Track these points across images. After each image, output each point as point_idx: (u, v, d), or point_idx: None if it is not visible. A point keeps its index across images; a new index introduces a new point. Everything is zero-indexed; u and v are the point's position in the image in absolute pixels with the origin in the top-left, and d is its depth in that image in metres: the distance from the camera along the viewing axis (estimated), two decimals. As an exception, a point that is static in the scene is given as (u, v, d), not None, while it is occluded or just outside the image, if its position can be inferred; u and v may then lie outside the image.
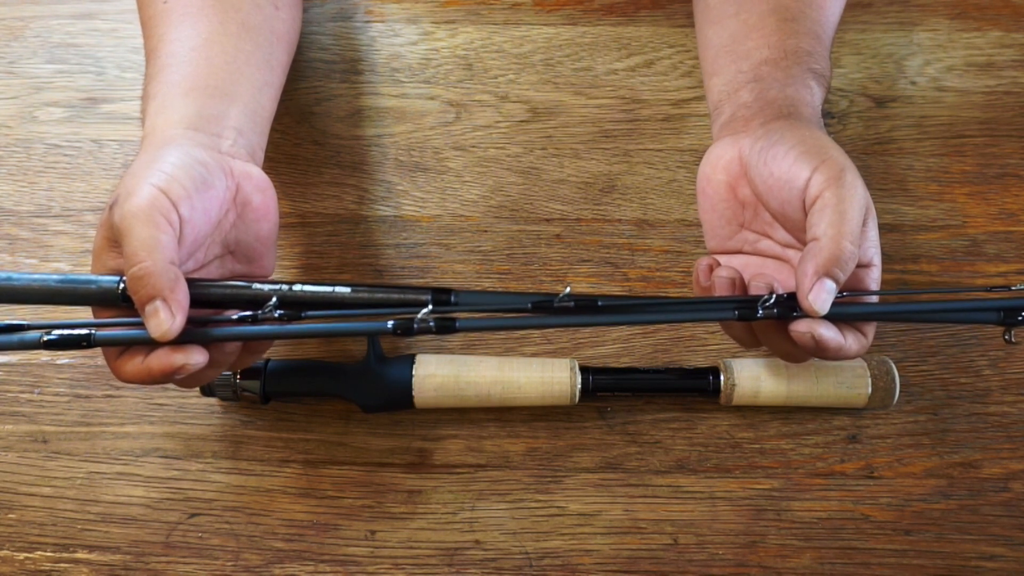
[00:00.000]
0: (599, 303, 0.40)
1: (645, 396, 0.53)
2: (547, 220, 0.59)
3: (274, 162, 0.61)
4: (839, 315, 0.41)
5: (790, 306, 0.40)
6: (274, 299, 0.40)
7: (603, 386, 0.51)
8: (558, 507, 0.51)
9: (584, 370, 0.51)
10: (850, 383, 0.50)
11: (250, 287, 0.42)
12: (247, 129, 0.48)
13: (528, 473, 0.51)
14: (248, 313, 0.40)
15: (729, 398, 0.51)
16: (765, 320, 0.41)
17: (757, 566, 0.49)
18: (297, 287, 0.42)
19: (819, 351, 0.41)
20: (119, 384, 0.54)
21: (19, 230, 0.59)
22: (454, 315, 0.40)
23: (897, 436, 0.52)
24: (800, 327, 0.40)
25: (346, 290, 0.42)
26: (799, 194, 0.42)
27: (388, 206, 0.59)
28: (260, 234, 0.46)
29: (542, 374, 0.50)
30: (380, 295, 0.42)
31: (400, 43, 0.65)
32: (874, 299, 0.43)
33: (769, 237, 0.47)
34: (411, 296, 0.42)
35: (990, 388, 0.53)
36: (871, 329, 0.43)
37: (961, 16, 0.65)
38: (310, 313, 0.41)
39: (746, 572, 0.49)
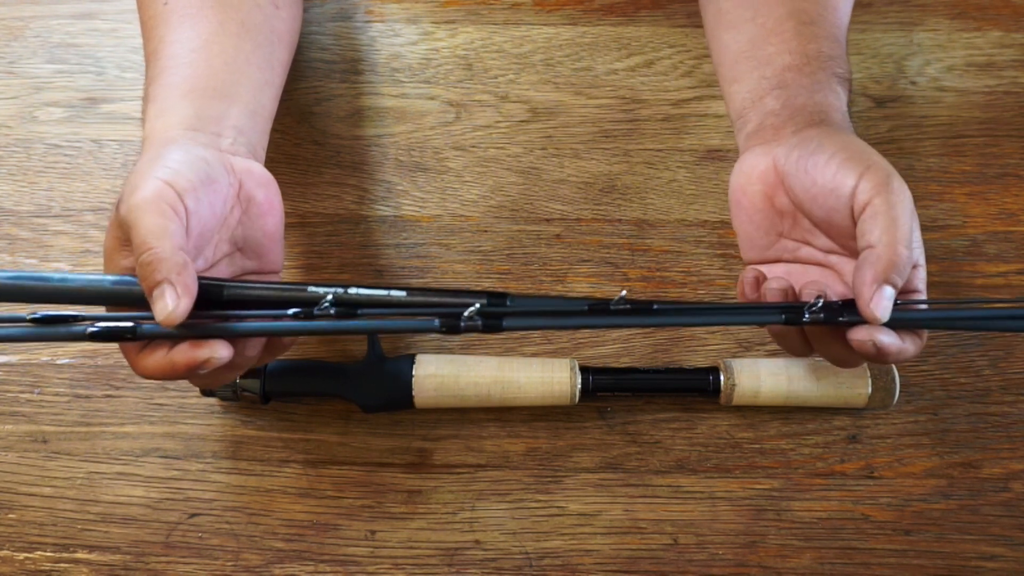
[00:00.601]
0: (654, 307, 0.40)
1: (645, 396, 0.53)
2: (547, 220, 0.59)
3: (274, 162, 0.61)
4: (898, 320, 0.40)
5: (837, 311, 0.40)
6: (330, 297, 0.40)
7: (603, 386, 0.51)
8: (558, 507, 0.50)
9: (584, 370, 0.51)
10: (850, 383, 0.50)
11: (305, 289, 0.41)
12: (247, 128, 0.48)
13: (528, 473, 0.51)
14: (301, 310, 0.40)
15: (729, 398, 0.51)
16: (820, 328, 0.41)
17: (757, 566, 0.49)
18: (352, 290, 0.41)
19: (879, 357, 0.40)
20: (119, 384, 0.54)
21: (19, 230, 0.59)
22: (502, 314, 0.40)
23: (897, 436, 0.52)
24: (860, 335, 0.40)
25: (402, 294, 0.42)
26: (847, 201, 0.41)
27: (388, 206, 0.59)
28: (266, 229, 0.46)
29: (542, 374, 0.50)
30: (435, 299, 0.42)
31: (400, 43, 0.65)
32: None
33: (810, 244, 0.46)
34: (467, 300, 0.41)
35: (990, 388, 0.53)
36: (925, 329, 0.42)
37: (961, 16, 0.65)
38: (364, 311, 0.40)
39: (746, 572, 0.49)
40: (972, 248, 0.57)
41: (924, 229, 0.57)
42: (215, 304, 0.41)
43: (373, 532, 0.50)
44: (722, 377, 0.51)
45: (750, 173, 0.47)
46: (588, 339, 0.55)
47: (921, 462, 0.51)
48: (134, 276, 0.39)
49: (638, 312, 0.40)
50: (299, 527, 0.50)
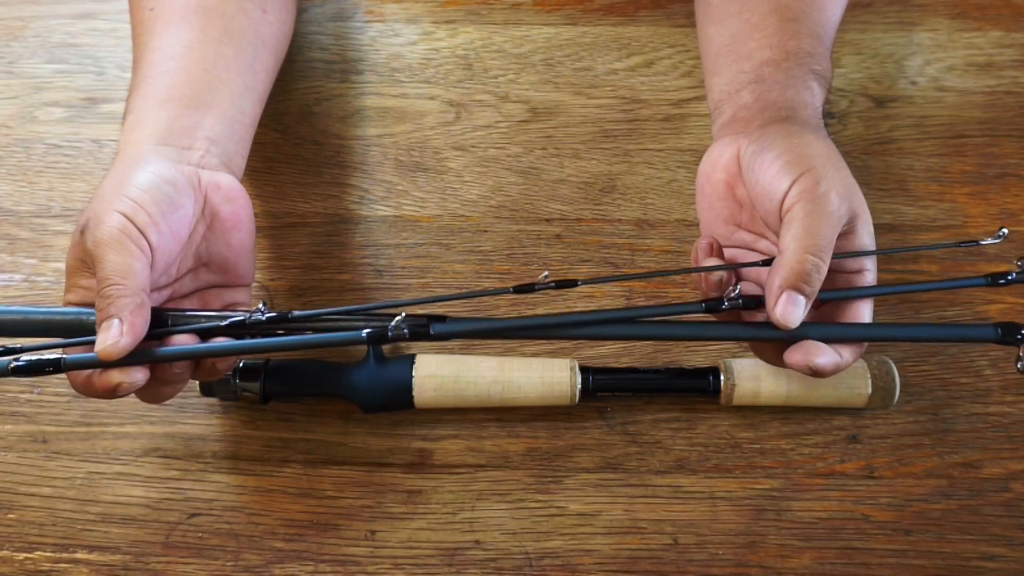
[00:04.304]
0: (578, 283, 0.42)
1: (645, 396, 0.53)
2: (547, 220, 0.59)
3: (274, 162, 0.61)
4: (829, 336, 0.41)
5: (757, 300, 0.42)
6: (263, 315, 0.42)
7: (603, 386, 0.51)
8: (558, 507, 0.50)
9: (584, 370, 0.51)
10: (850, 383, 0.50)
11: (248, 316, 0.42)
12: (223, 137, 0.48)
13: (528, 473, 0.51)
14: (240, 317, 0.42)
15: (729, 398, 0.51)
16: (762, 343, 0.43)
17: (757, 566, 0.49)
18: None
19: (818, 375, 0.41)
20: (119, 384, 0.54)
21: (19, 230, 0.59)
22: (428, 325, 0.42)
23: (897, 436, 0.52)
24: (795, 358, 0.41)
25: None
26: (778, 205, 0.42)
27: (388, 206, 0.59)
28: (232, 244, 0.47)
29: (542, 374, 0.50)
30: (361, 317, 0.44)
31: (400, 43, 0.65)
32: (866, 313, 0.43)
33: (765, 238, 0.47)
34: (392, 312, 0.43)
35: (990, 388, 0.53)
36: (857, 350, 0.43)
37: (961, 16, 0.65)
38: (297, 314, 0.42)
39: (746, 572, 0.49)
40: (972, 248, 0.57)
41: (924, 229, 0.58)
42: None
43: (373, 532, 0.50)
44: (722, 377, 0.51)
45: (716, 161, 0.48)
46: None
47: (921, 462, 0.51)
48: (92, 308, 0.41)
49: (562, 286, 0.42)
50: (299, 527, 0.50)
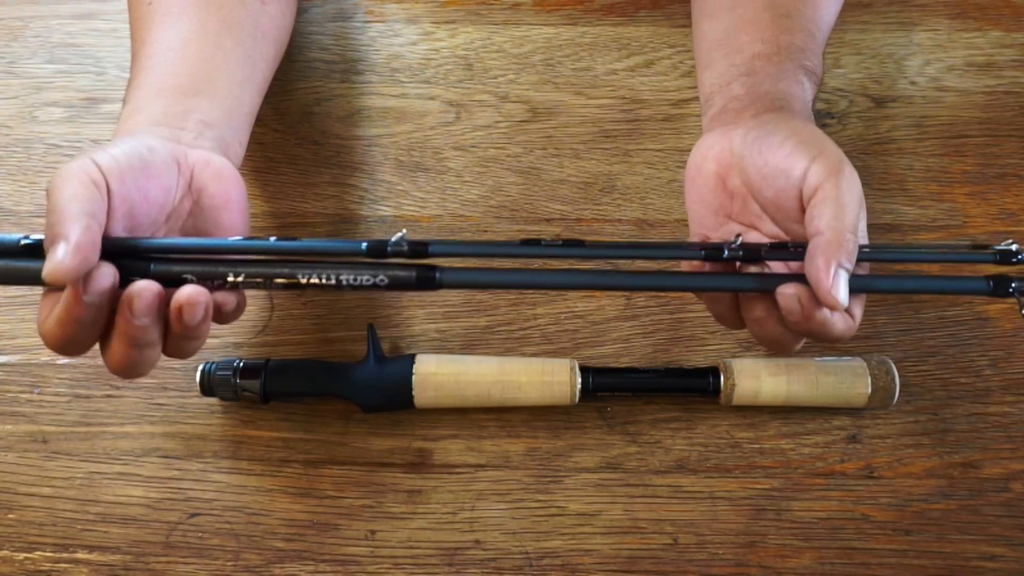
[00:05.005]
0: (585, 243, 0.43)
1: (645, 396, 0.53)
2: (547, 220, 0.59)
3: (274, 162, 0.61)
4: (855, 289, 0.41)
5: (757, 252, 0.42)
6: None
7: (603, 386, 0.51)
8: (558, 507, 0.50)
9: (584, 370, 0.51)
10: (850, 383, 0.50)
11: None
12: (218, 123, 0.48)
13: (528, 473, 0.51)
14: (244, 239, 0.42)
15: (729, 398, 0.51)
16: (751, 297, 0.43)
17: (757, 566, 0.49)
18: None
19: (805, 318, 0.40)
20: (119, 384, 0.54)
21: (19, 230, 0.59)
22: (427, 241, 0.41)
23: (897, 436, 0.52)
24: (788, 290, 0.40)
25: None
26: (796, 183, 0.42)
27: (388, 206, 0.59)
28: (221, 224, 0.46)
29: (542, 374, 0.50)
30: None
31: (400, 43, 0.65)
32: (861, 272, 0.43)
33: (756, 229, 0.47)
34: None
35: (990, 388, 0.53)
36: (859, 310, 0.43)
37: (961, 16, 0.65)
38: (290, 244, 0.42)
39: (746, 572, 0.49)
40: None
41: (924, 229, 0.58)
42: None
43: (373, 532, 0.50)
44: (722, 377, 0.51)
45: (706, 153, 0.48)
46: (588, 339, 0.55)
47: (921, 462, 0.51)
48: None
49: (569, 245, 0.42)
50: (299, 527, 0.50)
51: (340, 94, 0.63)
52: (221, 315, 0.43)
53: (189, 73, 0.48)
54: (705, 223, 0.48)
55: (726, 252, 0.42)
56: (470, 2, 0.66)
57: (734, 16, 0.51)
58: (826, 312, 0.40)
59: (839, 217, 0.40)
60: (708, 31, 0.53)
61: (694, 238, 0.49)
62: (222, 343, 0.55)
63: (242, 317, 0.55)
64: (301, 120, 0.62)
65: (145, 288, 0.38)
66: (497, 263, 0.44)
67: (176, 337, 0.41)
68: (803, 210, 0.42)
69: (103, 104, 0.63)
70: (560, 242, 0.42)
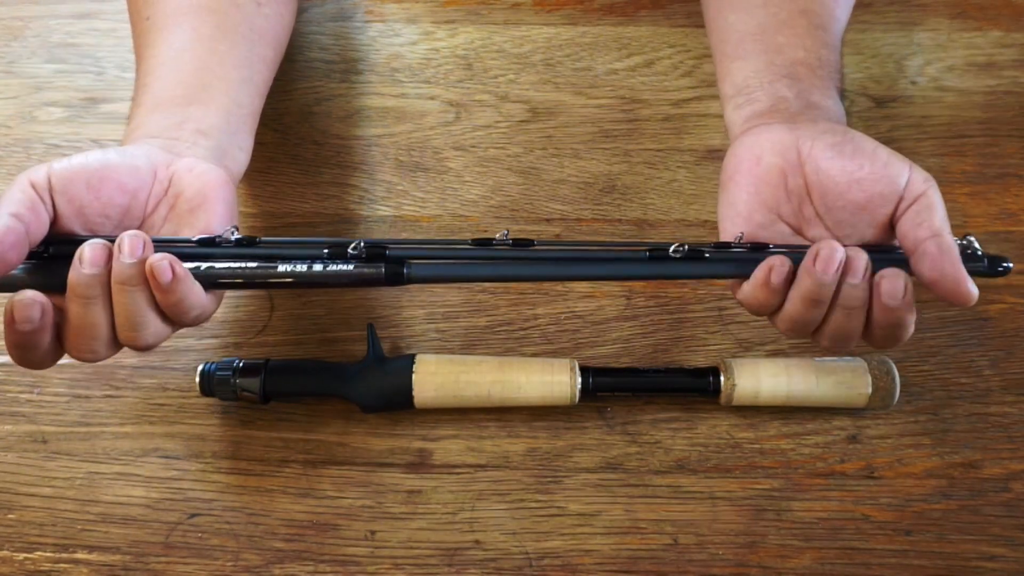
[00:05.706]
0: (534, 243, 0.44)
1: (645, 396, 0.53)
2: (547, 220, 0.59)
3: (274, 162, 0.61)
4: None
5: (700, 253, 0.43)
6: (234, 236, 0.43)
7: (603, 386, 0.51)
8: (558, 507, 0.50)
9: (584, 370, 0.51)
10: (850, 383, 0.50)
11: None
12: (215, 129, 0.48)
13: (528, 473, 0.51)
14: (206, 236, 0.43)
15: (729, 398, 0.51)
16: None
17: (757, 566, 0.49)
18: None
19: (906, 304, 0.42)
20: (119, 384, 0.54)
21: (19, 230, 0.59)
22: (386, 246, 0.43)
23: (897, 436, 0.52)
24: (898, 279, 0.41)
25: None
26: (899, 190, 0.43)
27: (388, 206, 0.59)
28: (195, 225, 0.45)
29: (542, 374, 0.50)
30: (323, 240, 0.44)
31: (400, 43, 0.65)
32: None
33: (801, 234, 0.46)
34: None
35: (990, 388, 0.53)
36: None
37: (961, 16, 0.65)
38: (266, 239, 0.43)
39: (746, 572, 0.49)
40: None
41: (924, 229, 0.57)
42: None
43: (373, 532, 0.50)
44: (722, 377, 0.51)
45: (771, 146, 0.46)
46: (588, 339, 0.55)
47: (921, 462, 0.51)
48: None
49: (518, 246, 0.44)
50: (299, 527, 0.50)
51: (340, 94, 0.63)
52: (178, 311, 0.42)
53: (183, 83, 0.49)
54: (754, 218, 0.45)
55: (671, 251, 0.43)
56: (470, 2, 0.66)
57: (768, 14, 0.51)
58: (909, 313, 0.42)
59: (945, 222, 0.42)
60: (736, 23, 0.52)
61: (729, 235, 0.46)
62: (222, 343, 0.55)
63: (242, 317, 0.56)
64: (301, 120, 0.62)
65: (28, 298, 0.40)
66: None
67: (8, 344, 0.42)
68: (889, 216, 0.43)
69: (103, 104, 0.63)
70: (510, 242, 0.44)
